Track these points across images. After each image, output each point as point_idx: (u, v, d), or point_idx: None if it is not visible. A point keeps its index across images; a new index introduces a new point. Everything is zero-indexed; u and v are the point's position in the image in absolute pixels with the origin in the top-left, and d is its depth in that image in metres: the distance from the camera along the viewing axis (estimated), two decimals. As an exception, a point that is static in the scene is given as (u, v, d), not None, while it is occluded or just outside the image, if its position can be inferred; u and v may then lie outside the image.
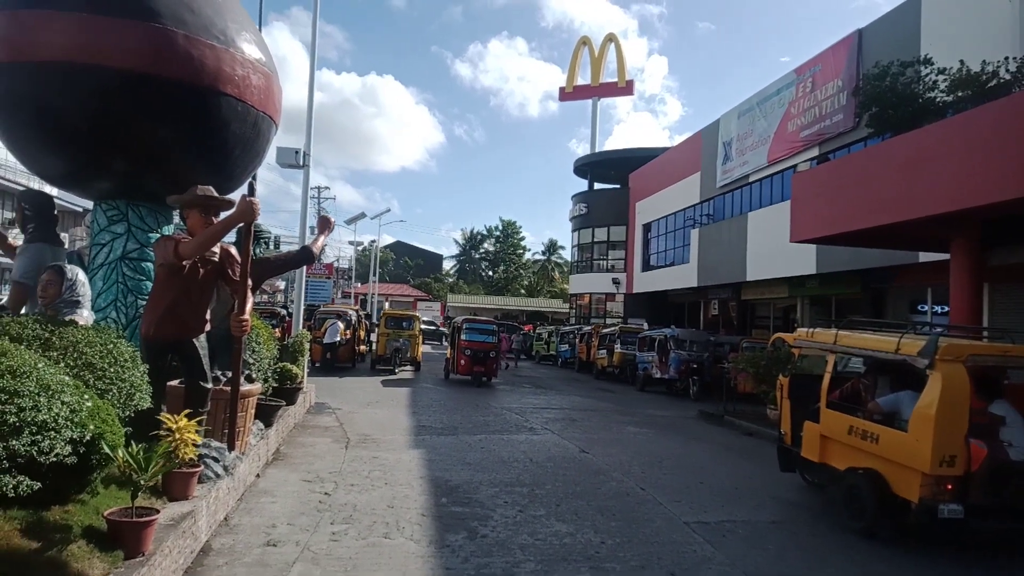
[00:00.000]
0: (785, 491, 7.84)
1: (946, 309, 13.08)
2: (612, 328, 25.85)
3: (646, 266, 34.23)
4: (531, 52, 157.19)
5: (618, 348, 22.88)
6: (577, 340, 28.00)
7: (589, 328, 28.42)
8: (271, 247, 28.37)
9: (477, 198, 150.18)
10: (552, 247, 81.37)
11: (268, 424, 7.98)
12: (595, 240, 38.84)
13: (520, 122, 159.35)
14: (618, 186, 39.81)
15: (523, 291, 77.50)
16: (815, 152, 19.90)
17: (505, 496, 6.87)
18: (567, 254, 71.58)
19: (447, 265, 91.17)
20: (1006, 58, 11.31)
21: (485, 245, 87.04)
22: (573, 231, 40.68)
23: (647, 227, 34.34)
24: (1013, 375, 6.79)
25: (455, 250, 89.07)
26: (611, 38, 53.67)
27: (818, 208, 12.71)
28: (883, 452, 6.17)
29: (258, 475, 6.91)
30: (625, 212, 36.54)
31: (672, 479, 8.20)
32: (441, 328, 48.60)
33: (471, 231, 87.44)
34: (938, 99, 12.01)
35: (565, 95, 54.45)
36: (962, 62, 11.63)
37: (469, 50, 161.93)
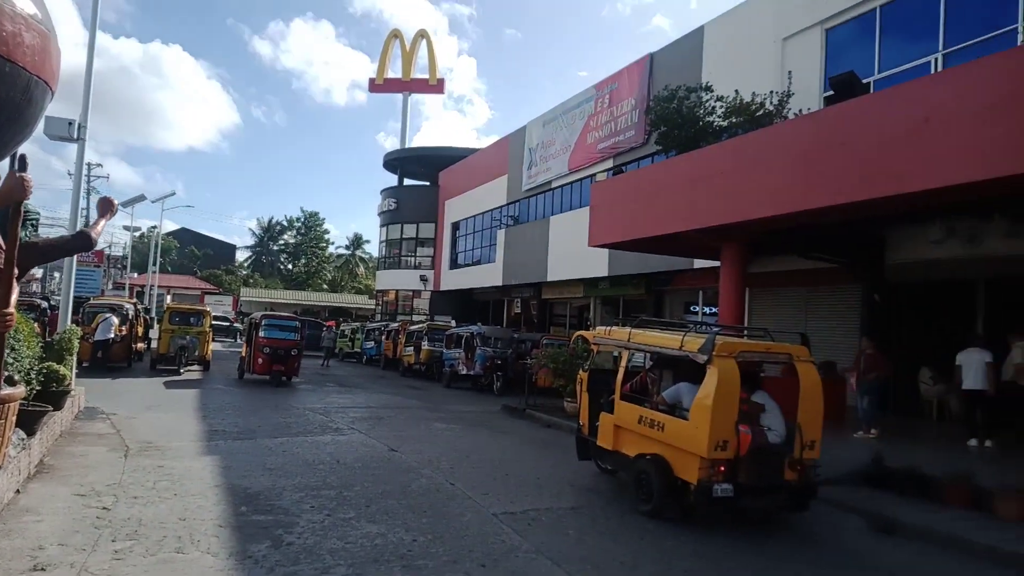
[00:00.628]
0: (582, 479, 8.37)
1: (715, 310, 14.77)
2: (420, 325, 25.91)
3: (454, 264, 34.74)
4: (338, 38, 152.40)
5: (425, 345, 22.97)
6: (384, 337, 27.68)
7: (396, 325, 28.23)
8: (34, 230, 24.70)
9: (277, 186, 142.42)
10: (357, 241, 79.64)
11: (31, 432, 6.96)
12: (404, 236, 38.64)
13: (326, 109, 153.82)
14: (428, 183, 39.95)
15: (326, 286, 74.98)
16: (611, 163, 21.47)
17: (311, 500, 6.60)
18: (373, 249, 70.49)
19: (241, 256, 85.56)
20: (771, 92, 13.01)
21: (285, 237, 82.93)
22: (381, 226, 40.14)
23: (456, 226, 34.85)
24: (768, 368, 7.85)
25: (251, 240, 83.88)
26: (423, 35, 53.70)
27: (613, 216, 13.73)
28: (668, 439, 6.82)
29: (18, 491, 6.00)
30: (435, 209, 36.78)
31: (479, 473, 8.41)
32: (235, 324, 45.50)
33: (269, 221, 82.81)
34: (715, 123, 13.54)
35: (375, 86, 53.52)
36: (737, 92, 13.19)
37: (269, 27, 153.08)
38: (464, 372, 19.71)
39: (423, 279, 36.65)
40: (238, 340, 39.01)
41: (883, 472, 8.22)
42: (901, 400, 13.66)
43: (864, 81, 11.81)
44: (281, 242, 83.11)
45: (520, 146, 27.89)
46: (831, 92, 11.90)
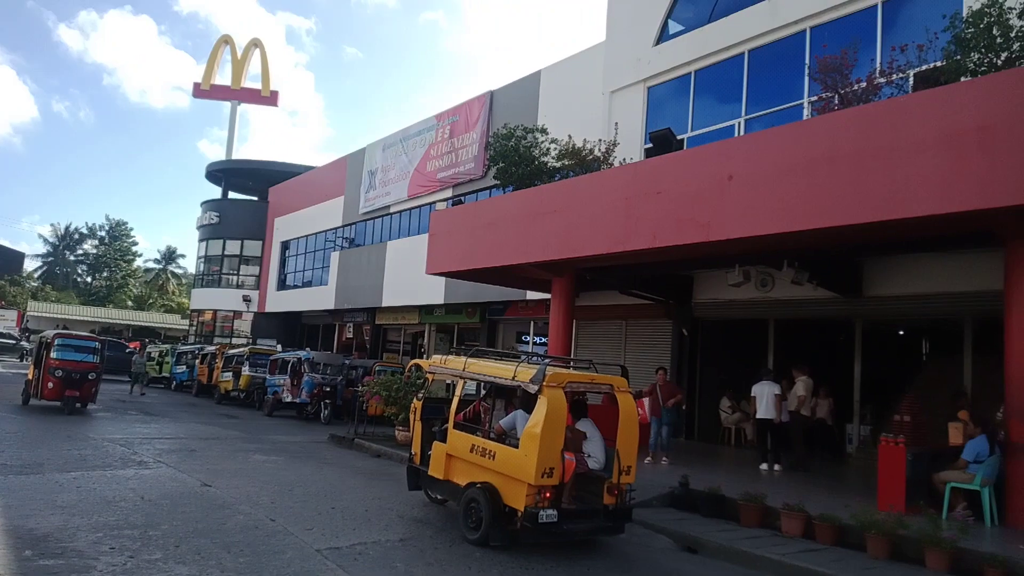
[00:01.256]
0: (412, 509, 8.31)
1: (545, 340, 15.40)
2: (241, 349, 24.37)
3: (282, 285, 33.23)
4: (160, 35, 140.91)
5: (246, 370, 21.63)
6: (198, 361, 25.69)
7: (213, 348, 26.33)
8: None
9: (78, 191, 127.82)
10: (170, 255, 73.57)
11: None
12: (226, 253, 36.35)
13: (140, 110, 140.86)
14: (256, 198, 38.05)
15: (131, 303, 68.36)
16: (450, 193, 21.79)
17: (111, 541, 5.98)
18: (189, 264, 65.55)
19: (30, 265, 75.83)
20: (600, 140, 13.95)
21: (85, 246, 74.56)
22: (201, 240, 37.47)
23: (286, 245, 33.45)
24: (592, 397, 8.33)
25: (42, 249, 74.57)
26: (256, 43, 51.53)
27: (451, 245, 13.95)
28: (498, 467, 6.99)
29: None
30: (263, 226, 35.06)
31: (303, 507, 8.06)
32: (22, 343, 40.11)
33: (67, 228, 74.05)
34: (549, 163, 14.26)
35: (200, 92, 50.38)
36: (569, 136, 14.01)
37: (80, 16, 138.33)
38: (289, 400, 18.82)
39: (246, 299, 34.66)
40: (22, 361, 34.42)
41: (689, 495, 8.97)
42: (704, 427, 15.01)
43: (679, 137, 13.05)
44: (80, 252, 74.71)
45: (359, 168, 27.51)
46: (651, 145, 13.02)
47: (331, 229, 29.32)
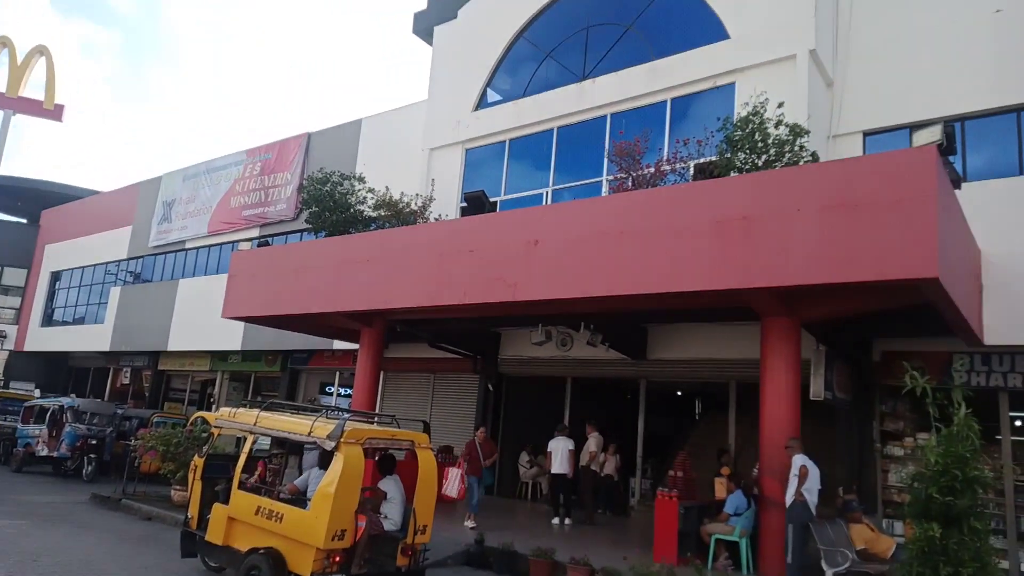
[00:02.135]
0: (184, 579, 7.53)
1: (349, 391, 14.95)
2: (-14, 392, 20.90)
3: (48, 320, 29.23)
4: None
5: (-8, 418, 18.54)
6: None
7: (-51, 390, 22.32)
8: None
9: None
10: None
11: None
12: (-21, 280, 31.33)
13: None
14: (24, 220, 33.48)
15: None
16: (256, 232, 20.71)
17: None
18: (-70, 291, 55.66)
19: None
20: (417, 194, 14.13)
21: None
22: (-54, 264, 31.97)
23: (56, 275, 29.61)
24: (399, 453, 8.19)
25: None
26: (42, 51, 45.99)
27: (254, 288, 13.20)
28: (285, 531, 6.58)
29: None
30: (29, 253, 30.82)
31: (49, 581, 6.99)
32: None
33: None
34: (365, 212, 14.15)
35: (-36, 96, 43.78)
36: (387, 188, 14.04)
37: None
38: (44, 453, 16.36)
39: (1, 335, 30.00)
40: None
41: (484, 552, 9.04)
42: (505, 482, 15.30)
43: (492, 200, 13.58)
44: None
45: (153, 197, 25.30)
46: (466, 204, 13.43)
47: (114, 261, 26.46)
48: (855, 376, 10.64)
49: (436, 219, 13.81)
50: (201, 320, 20.47)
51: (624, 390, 15.07)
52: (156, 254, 24.85)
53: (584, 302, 9.61)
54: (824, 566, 7.39)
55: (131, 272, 25.77)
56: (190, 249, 23.47)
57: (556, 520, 11.93)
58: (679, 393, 15.90)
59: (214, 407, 19.48)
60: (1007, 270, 9.17)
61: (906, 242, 6.69)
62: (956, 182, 7.83)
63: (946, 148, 7.19)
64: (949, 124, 7.51)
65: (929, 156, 6.78)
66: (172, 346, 22.13)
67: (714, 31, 12.15)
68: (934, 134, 7.11)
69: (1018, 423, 10.45)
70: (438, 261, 10.50)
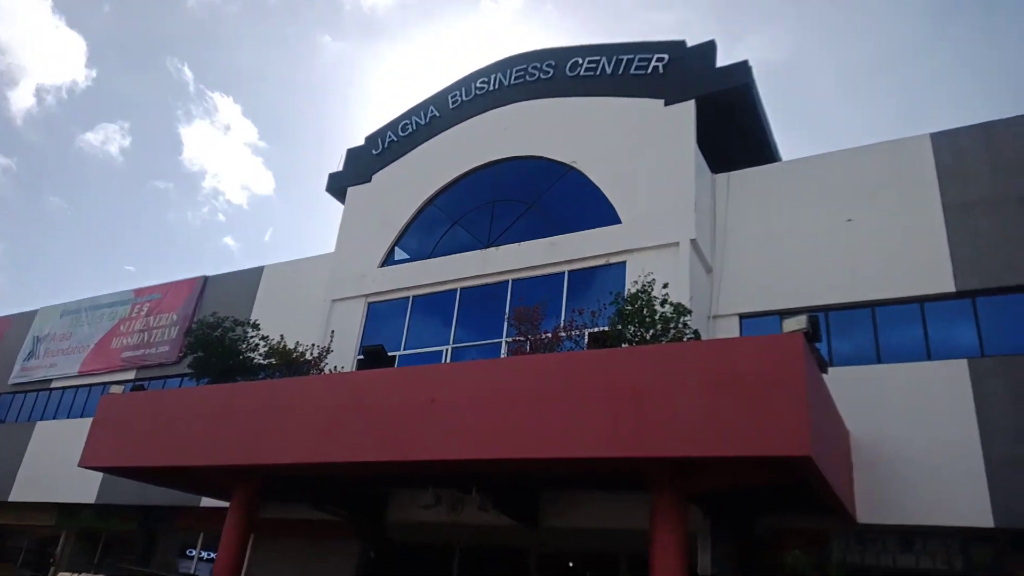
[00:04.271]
0: None
1: (212, 555, 13.54)
2: None
3: None
4: None
5: None
6: None
7: None
8: None
9: None
10: None
11: None
12: None
13: None
14: None
15: None
16: (131, 375, 19.45)
17: None
18: None
19: None
20: (314, 344, 13.90)
21: None
22: None
23: None
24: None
25: None
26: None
27: (121, 436, 12.18)
28: None
29: None
30: None
31: None
32: None
33: None
34: (255, 359, 13.68)
35: None
36: (282, 336, 13.76)
37: None
38: None
39: None
40: None
41: None
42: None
43: (391, 354, 13.56)
44: None
45: (24, 331, 23.53)
46: (363, 356, 13.28)
47: (-37, 398, 23.91)
48: (741, 551, 10.74)
49: (332, 371, 13.51)
50: (54, 469, 18.45)
51: (513, 560, 14.43)
52: (16, 392, 22.68)
53: (480, 464, 9.45)
54: None
55: (-21, 410, 23.26)
56: (55, 389, 21.61)
57: None
58: (571, 564, 15.39)
59: (51, 570, 17.06)
60: (873, 451, 9.85)
61: (780, 419, 7.12)
62: (823, 366, 8.54)
63: (812, 335, 7.91)
64: (814, 315, 8.33)
65: (797, 342, 7.43)
66: (14, 496, 19.60)
67: (607, 215, 13.30)
68: (800, 322, 7.84)
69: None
70: (328, 415, 10.15)
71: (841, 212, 12.14)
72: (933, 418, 9.85)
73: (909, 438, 9.78)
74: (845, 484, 9.16)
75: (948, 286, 10.97)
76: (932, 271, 11.14)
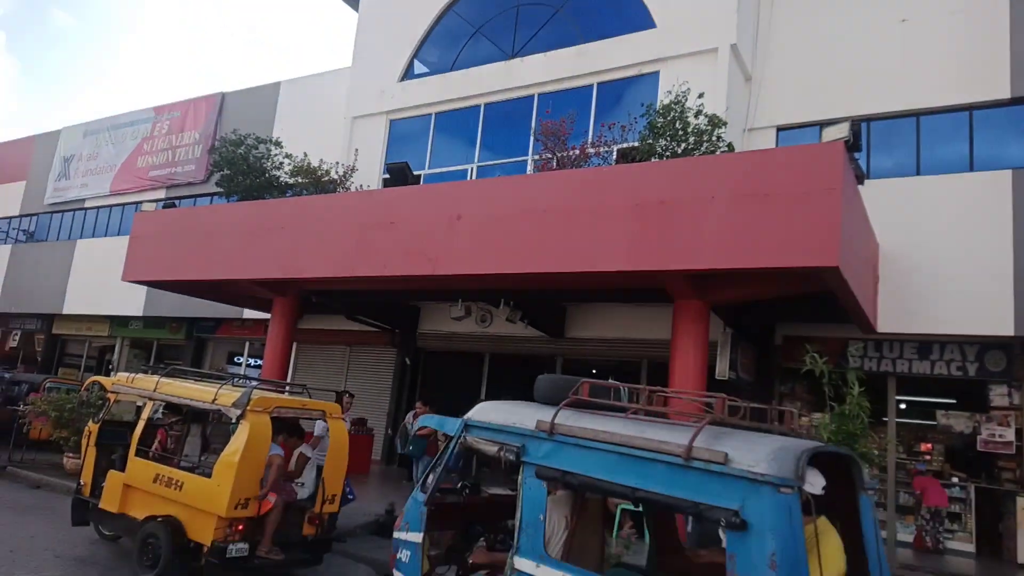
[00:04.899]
0: (74, 548, 7.15)
1: (260, 362, 14.50)
2: None
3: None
4: None
5: None
6: None
7: None
8: None
9: None
10: None
11: None
12: None
13: None
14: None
15: None
16: (162, 194, 19.69)
17: None
18: None
19: None
20: (337, 163, 13.75)
21: None
22: None
23: (-64, 230, 27.26)
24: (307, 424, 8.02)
25: None
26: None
27: (158, 252, 12.56)
28: (185, 499, 6.35)
29: None
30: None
31: (-81, 552, 6.51)
32: None
33: None
34: (281, 178, 13.67)
35: None
36: (306, 154, 13.60)
37: None
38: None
39: None
40: None
41: (393, 522, 9.00)
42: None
43: (416, 173, 13.40)
44: None
45: (50, 152, 23.62)
46: (388, 175, 13.18)
47: (5, 218, 24.64)
48: (758, 358, 11.18)
49: (357, 189, 13.50)
50: (100, 283, 19.33)
51: (541, 367, 15.27)
52: (52, 212, 23.27)
53: (505, 278, 9.65)
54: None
55: (24, 231, 24.04)
56: (90, 208, 22.10)
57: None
58: (594, 371, 16.26)
59: (112, 374, 18.50)
60: (901, 263, 9.80)
61: (810, 231, 7.02)
62: (860, 178, 8.27)
63: (853, 145, 7.56)
64: (856, 123, 7.90)
65: (836, 151, 7.12)
66: (68, 309, 20.82)
67: (641, 20, 12.34)
68: (842, 130, 7.46)
69: (903, 406, 11.28)
70: (357, 231, 10.28)
71: (895, 12, 11.14)
72: (967, 229, 9.65)
73: (939, 249, 9.66)
74: (869, 294, 9.24)
75: (1003, 92, 10.27)
76: (987, 76, 10.38)
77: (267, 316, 13.34)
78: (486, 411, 4.22)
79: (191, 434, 7.41)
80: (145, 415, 7.28)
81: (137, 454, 6.98)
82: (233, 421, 6.45)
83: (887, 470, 10.53)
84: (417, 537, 4.26)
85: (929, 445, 10.87)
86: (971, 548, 10.11)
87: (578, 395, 3.81)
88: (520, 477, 3.76)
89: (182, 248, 12.18)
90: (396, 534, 4.48)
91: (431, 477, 4.44)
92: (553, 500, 3.81)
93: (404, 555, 4.34)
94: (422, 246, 9.63)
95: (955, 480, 10.44)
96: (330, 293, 13.10)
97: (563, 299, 13.05)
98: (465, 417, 4.26)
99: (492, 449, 3.98)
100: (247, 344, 18.59)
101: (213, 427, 8.23)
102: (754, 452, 2.97)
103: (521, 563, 3.61)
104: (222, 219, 12.14)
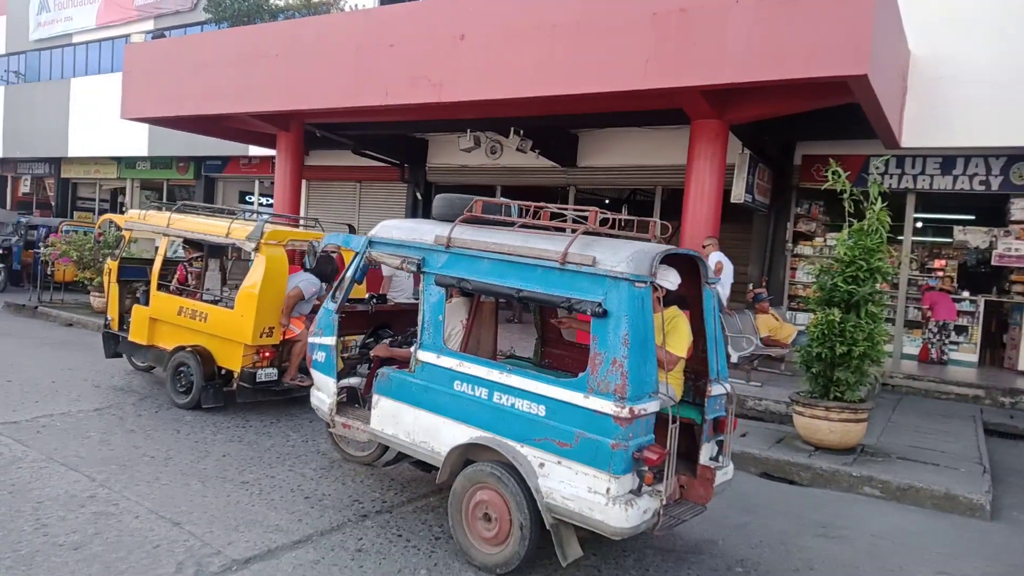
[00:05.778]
0: (110, 378, 7.53)
1: (271, 201, 14.44)
2: None
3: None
4: None
5: None
6: None
7: None
8: None
9: None
10: None
11: None
12: None
13: None
14: None
15: None
16: (150, 25, 18.65)
17: None
18: None
19: None
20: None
21: None
22: None
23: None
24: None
25: None
26: None
27: (153, 87, 12.08)
28: (211, 329, 6.55)
29: None
30: None
31: (-33, 383, 6.88)
32: None
33: None
34: (272, 1, 12.78)
35: None
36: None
37: None
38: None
39: None
40: None
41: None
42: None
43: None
44: None
45: (25, -17, 22.17)
46: (386, -8, 12.27)
47: (-8, 57, 23.67)
48: (775, 180, 10.92)
49: (352, 9, 12.62)
50: (101, 123, 18.86)
51: (553, 198, 15.10)
52: (40, 49, 22.24)
53: (513, 104, 9.23)
54: (730, 350, 8.00)
55: (15, 71, 23.14)
56: (78, 44, 21.07)
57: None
58: (607, 201, 16.10)
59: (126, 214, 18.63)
60: (932, 70, 9.19)
61: (840, 39, 6.52)
62: (898, -23, 7.55)
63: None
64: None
65: (874, -55, 6.42)
66: (73, 152, 20.52)
67: None
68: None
69: (919, 224, 11.15)
70: (355, 56, 9.73)
71: None
72: (1001, 31, 8.91)
73: (971, 54, 8.99)
74: (896, 105, 8.77)
75: None
76: None
77: (274, 153, 13.07)
78: (389, 229, 4.60)
79: (211, 269, 7.49)
80: (162, 251, 7.33)
81: (159, 289, 7.12)
82: (250, 255, 6.49)
83: (899, 286, 10.63)
84: (330, 340, 4.77)
85: (943, 262, 10.86)
86: (974, 359, 10.41)
87: (472, 212, 4.18)
88: (421, 285, 4.25)
89: (177, 82, 11.67)
90: (311, 339, 4.97)
91: (340, 288, 4.84)
92: (450, 306, 4.33)
93: (320, 356, 4.85)
94: (425, 70, 9.13)
95: (965, 295, 10.54)
96: (335, 126, 12.71)
97: (575, 126, 12.60)
98: (369, 235, 4.66)
99: (395, 262, 4.48)
100: (257, 183, 18.44)
101: (232, 263, 8.32)
102: (616, 255, 3.50)
103: (424, 355, 4.16)
104: (213, 48, 11.50)
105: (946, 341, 10.38)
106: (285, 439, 5.81)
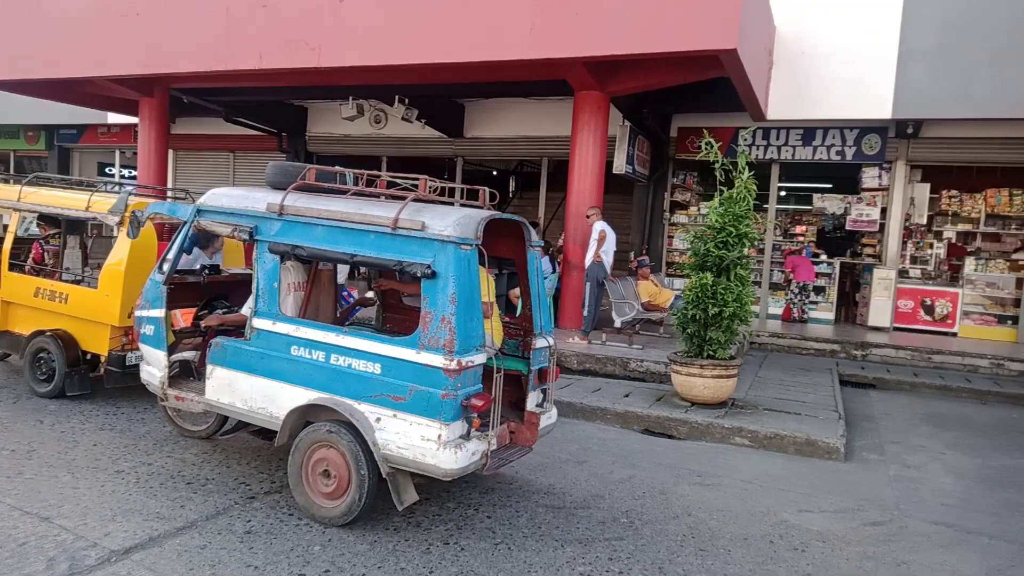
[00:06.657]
0: (-43, 369, 6.84)
1: (135, 173, 13.43)
2: None
3: None
4: None
5: None
6: None
7: None
8: None
9: None
10: None
11: None
12: None
13: None
14: None
15: None
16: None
17: None
18: None
19: None
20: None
21: None
22: None
23: None
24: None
25: None
26: None
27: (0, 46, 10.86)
28: (73, 311, 6.07)
29: None
30: None
31: None
32: None
33: None
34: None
35: None
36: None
37: None
38: None
39: None
40: None
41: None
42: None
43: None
44: None
45: None
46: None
47: None
48: (653, 152, 11.36)
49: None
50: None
51: (441, 170, 14.98)
52: None
53: (398, 71, 9.06)
54: (614, 316, 8.33)
55: None
56: None
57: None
58: (494, 172, 16.16)
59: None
60: (794, 46, 9.80)
61: (712, 15, 6.84)
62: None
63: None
64: None
65: (742, -77, 6.74)
66: None
67: None
68: (749, -100, 7.02)
69: (783, 193, 11.97)
70: (225, 16, 9.17)
71: None
72: (861, 9, 9.61)
73: (832, 33, 9.66)
74: (762, 79, 9.31)
75: None
76: None
77: (136, 120, 12.15)
78: (218, 196, 4.50)
79: (70, 246, 6.91)
80: (12, 227, 6.69)
81: (11, 269, 6.51)
82: (114, 231, 6.05)
83: (764, 251, 11.40)
84: (158, 313, 4.65)
85: (803, 228, 11.74)
86: (830, 316, 11.38)
87: (305, 180, 4.19)
88: (255, 253, 4.22)
89: (23, 41, 10.56)
90: (136, 312, 4.82)
91: (167, 259, 4.69)
92: (284, 270, 4.30)
93: (148, 329, 4.71)
94: (303, 33, 8.76)
95: (823, 257, 11.46)
96: (204, 92, 11.98)
97: (462, 95, 12.52)
98: (197, 203, 4.54)
99: (226, 230, 4.38)
100: (118, 153, 17.07)
101: (94, 239, 7.72)
102: (444, 220, 3.67)
103: (259, 323, 4.16)
104: (65, 3, 10.45)
105: (807, 301, 11.27)
106: (161, 425, 5.51)
